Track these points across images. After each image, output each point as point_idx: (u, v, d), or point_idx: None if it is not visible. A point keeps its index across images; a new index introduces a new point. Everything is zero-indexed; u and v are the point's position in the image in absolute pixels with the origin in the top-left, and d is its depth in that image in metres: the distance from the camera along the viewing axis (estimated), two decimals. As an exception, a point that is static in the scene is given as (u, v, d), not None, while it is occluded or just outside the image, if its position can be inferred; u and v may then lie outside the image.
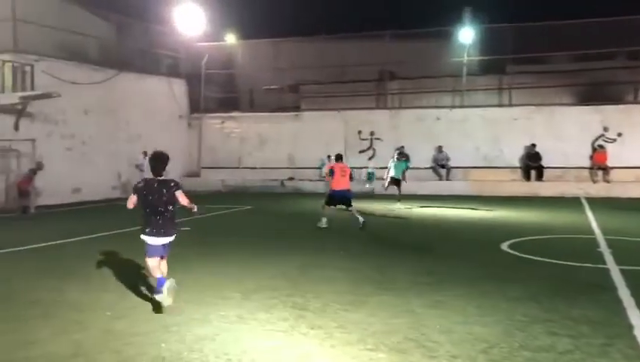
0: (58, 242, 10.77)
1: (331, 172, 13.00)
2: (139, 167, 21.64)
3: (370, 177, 22.63)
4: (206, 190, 24.07)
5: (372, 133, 23.99)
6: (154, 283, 6.37)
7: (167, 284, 6.17)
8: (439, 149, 22.77)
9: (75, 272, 8.34)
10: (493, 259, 9.26)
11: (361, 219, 12.65)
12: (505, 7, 28.24)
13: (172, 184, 6.52)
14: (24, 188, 15.75)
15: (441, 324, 5.71)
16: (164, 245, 6.44)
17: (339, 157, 13.49)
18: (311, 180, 23.78)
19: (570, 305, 6.35)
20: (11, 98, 16.87)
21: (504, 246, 10.38)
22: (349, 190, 12.91)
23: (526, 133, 22.22)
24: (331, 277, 7.84)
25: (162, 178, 6.50)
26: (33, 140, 17.44)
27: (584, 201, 18.49)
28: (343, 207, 12.90)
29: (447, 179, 22.60)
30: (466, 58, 24.28)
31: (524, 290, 7.05)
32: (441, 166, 22.79)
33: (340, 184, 12.81)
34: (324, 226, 12.75)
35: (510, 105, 23.19)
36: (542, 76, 24.38)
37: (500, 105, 23.58)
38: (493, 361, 4.75)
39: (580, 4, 22.70)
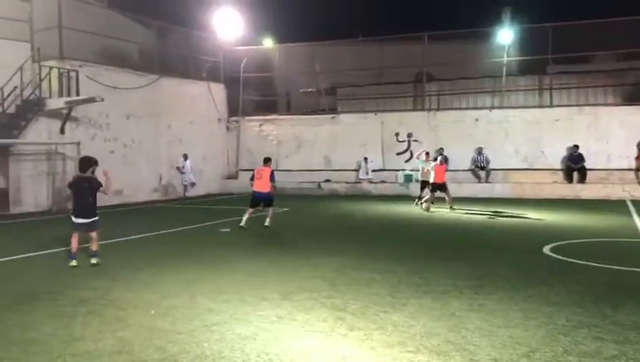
0: (102, 243, 11.02)
1: (252, 176, 13.66)
2: (179, 170, 22.10)
3: (408, 179, 22.53)
4: (243, 192, 24.36)
5: (410, 135, 23.83)
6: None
7: (74, 261, 8.82)
8: (479, 151, 22.46)
9: (119, 272, 8.55)
10: (536, 263, 9.08)
11: (267, 222, 13.26)
12: (545, 6, 27.69)
13: (94, 181, 8.96)
14: None
15: (482, 328, 5.64)
16: (85, 223, 8.88)
17: (265, 161, 14.00)
18: (347, 182, 23.80)
19: (616, 310, 6.19)
20: (57, 103, 17.43)
21: (546, 249, 10.17)
22: (264, 191, 13.38)
23: (568, 134, 21.71)
24: (370, 280, 7.83)
25: (86, 175, 8.96)
26: (78, 143, 17.97)
27: (630, 204, 17.96)
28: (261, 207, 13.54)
29: (487, 182, 22.27)
30: (505, 58, 23.90)
31: (567, 294, 6.91)
32: (480, 168, 22.49)
33: (256, 186, 13.47)
34: (242, 225, 13.16)
35: (551, 105, 22.70)
36: (584, 76, 23.84)
37: (541, 106, 23.09)
38: (536, 366, 4.67)
39: (623, 0, 22.02)
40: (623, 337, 5.32)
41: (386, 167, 23.88)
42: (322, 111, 26.10)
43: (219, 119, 25.68)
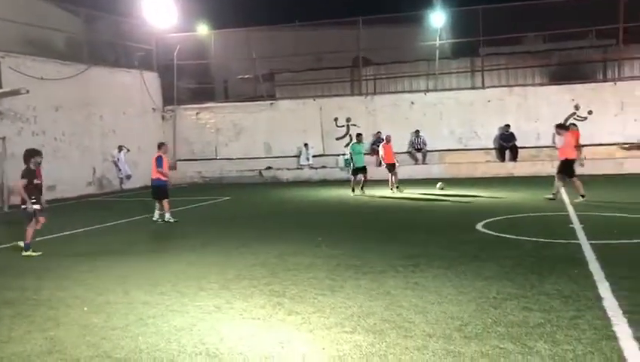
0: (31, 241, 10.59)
1: None
2: (115, 163, 21.45)
3: (348, 163, 22.71)
4: (183, 182, 23.94)
5: (348, 120, 24.01)
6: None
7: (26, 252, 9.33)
8: (416, 134, 22.90)
9: (51, 270, 8.26)
10: (469, 240, 9.37)
11: (155, 215, 12.78)
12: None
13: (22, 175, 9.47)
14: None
15: (417, 305, 5.79)
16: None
17: (158, 146, 13.42)
18: (289, 169, 23.79)
19: (542, 281, 6.48)
20: (-22, 96, 16.54)
21: (479, 226, 10.53)
22: (154, 178, 12.89)
23: (500, 114, 22.45)
24: (309, 265, 7.88)
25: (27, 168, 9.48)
26: (3, 138, 17.11)
27: (558, 180, 18.74)
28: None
29: (424, 163, 22.77)
30: (438, 42, 24.36)
31: (498, 268, 7.17)
32: (417, 150, 22.95)
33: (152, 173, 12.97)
34: (155, 219, 12.79)
35: (483, 87, 23.36)
36: (514, 57, 24.63)
37: (474, 88, 23.74)
38: (467, 338, 4.83)
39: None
40: (548, 306, 5.58)
41: (327, 153, 24.01)
42: (260, 98, 25.85)
43: (153, 108, 25.05)
